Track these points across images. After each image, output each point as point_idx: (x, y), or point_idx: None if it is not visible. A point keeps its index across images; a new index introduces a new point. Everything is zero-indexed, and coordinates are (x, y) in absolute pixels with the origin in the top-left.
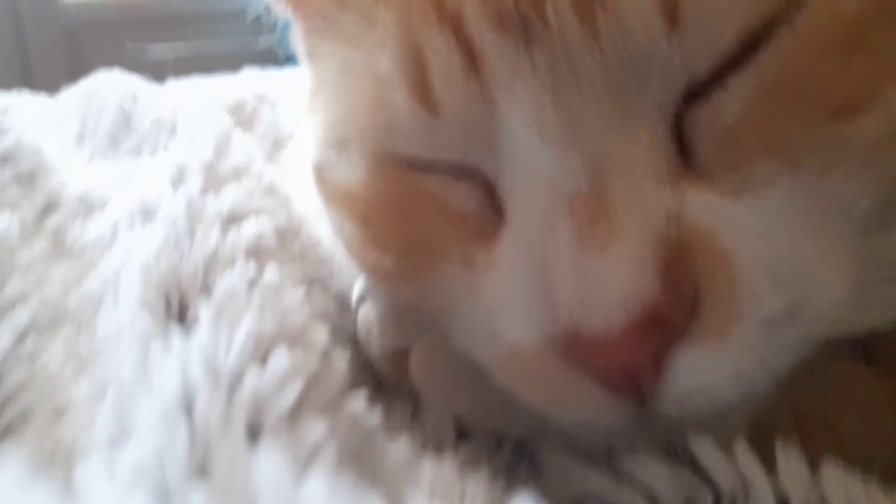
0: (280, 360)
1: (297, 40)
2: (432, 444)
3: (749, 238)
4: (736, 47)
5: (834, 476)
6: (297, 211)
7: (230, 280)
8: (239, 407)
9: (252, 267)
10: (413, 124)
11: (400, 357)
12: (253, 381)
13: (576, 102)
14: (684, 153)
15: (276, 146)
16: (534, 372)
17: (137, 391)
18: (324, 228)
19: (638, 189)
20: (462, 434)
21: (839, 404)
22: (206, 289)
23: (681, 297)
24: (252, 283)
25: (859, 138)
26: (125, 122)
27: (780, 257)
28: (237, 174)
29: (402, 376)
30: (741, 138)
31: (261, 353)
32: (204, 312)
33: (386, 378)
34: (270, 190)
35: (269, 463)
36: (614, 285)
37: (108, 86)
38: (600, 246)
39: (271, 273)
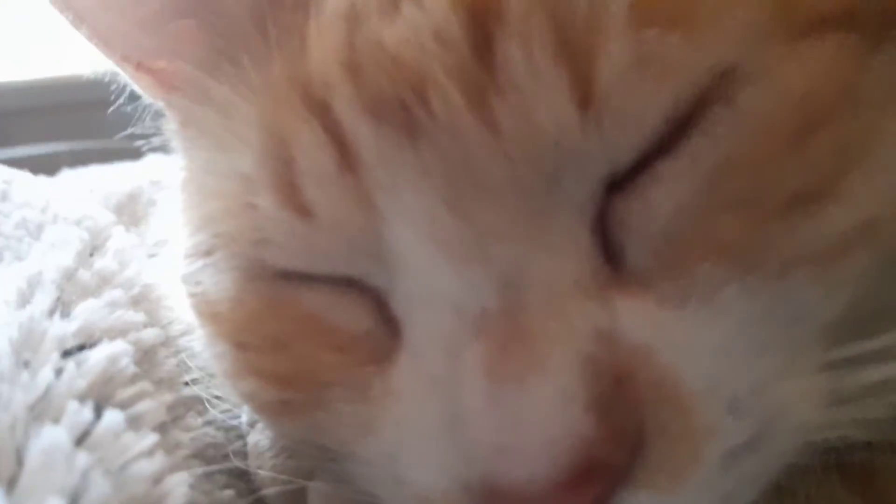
0: None
1: (173, 133)
2: None
3: (699, 357)
4: (663, 129)
5: None
6: (178, 315)
7: (49, 438)
8: None
9: (87, 413)
10: (283, 231)
11: (298, 494)
12: None
13: (475, 207)
14: (612, 257)
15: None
16: None
17: None
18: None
19: (558, 304)
20: None
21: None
22: (19, 459)
23: (620, 437)
24: (82, 437)
25: (821, 235)
26: None
27: (737, 378)
28: (100, 284)
29: None
30: (678, 236)
31: None
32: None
33: None
34: (140, 300)
35: None
36: (537, 425)
37: None
38: (516, 376)
39: (111, 419)
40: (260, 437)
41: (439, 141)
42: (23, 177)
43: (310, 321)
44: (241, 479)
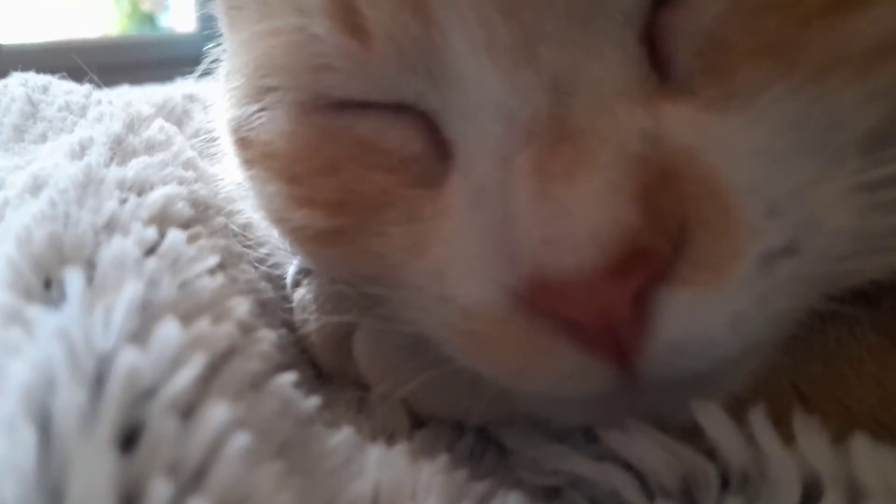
0: (170, 332)
1: (219, 12)
2: (382, 435)
3: (740, 159)
4: None
5: (866, 452)
6: (225, 192)
7: (119, 246)
8: (108, 403)
9: (151, 232)
10: (340, 58)
11: (342, 341)
12: (130, 364)
13: (528, 14)
14: (659, 65)
15: (206, 146)
16: (495, 336)
17: None
18: (248, 207)
19: (606, 108)
20: (417, 423)
21: (847, 371)
22: (90, 261)
23: (664, 228)
24: (148, 250)
25: (858, 37)
26: (32, 112)
27: (776, 181)
28: (150, 148)
29: (345, 363)
30: (723, 42)
31: (147, 328)
32: (75, 285)
33: (327, 366)
34: (191, 165)
35: (147, 473)
36: (584, 217)
37: (19, 81)
38: (565, 174)
39: (175, 237)
40: (305, 292)
41: None
42: (61, 80)
43: (363, 146)
44: (293, 331)
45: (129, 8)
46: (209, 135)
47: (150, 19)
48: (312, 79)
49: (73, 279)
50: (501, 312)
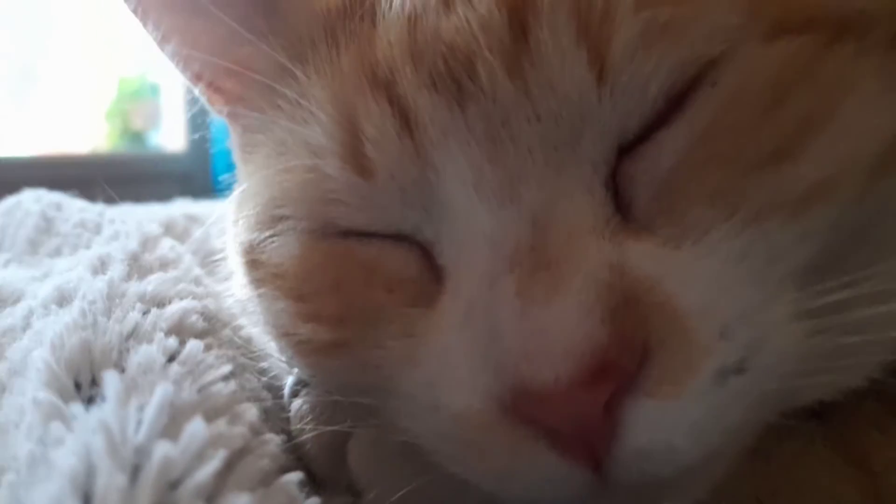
0: (197, 430)
1: (234, 148)
2: None
3: (694, 287)
4: (663, 104)
5: None
6: (229, 305)
7: (146, 352)
8: (145, 487)
9: (172, 341)
10: (348, 192)
11: (337, 449)
12: (163, 456)
13: (511, 160)
14: (622, 207)
15: (205, 264)
16: (481, 442)
17: (34, 475)
18: (251, 323)
19: (578, 241)
20: None
21: (802, 482)
22: (119, 365)
23: (629, 345)
24: (171, 356)
25: (789, 188)
26: (46, 227)
27: (726, 307)
28: (164, 265)
29: (339, 470)
30: (676, 190)
31: (176, 425)
32: (112, 386)
33: (322, 472)
34: (199, 281)
35: None
36: (561, 335)
37: (32, 198)
38: (544, 298)
39: (194, 346)
40: (301, 403)
41: (483, 105)
42: (69, 198)
43: (366, 268)
44: (289, 437)
45: (120, 125)
46: (212, 255)
47: (139, 137)
48: (323, 210)
49: (111, 379)
50: (488, 420)
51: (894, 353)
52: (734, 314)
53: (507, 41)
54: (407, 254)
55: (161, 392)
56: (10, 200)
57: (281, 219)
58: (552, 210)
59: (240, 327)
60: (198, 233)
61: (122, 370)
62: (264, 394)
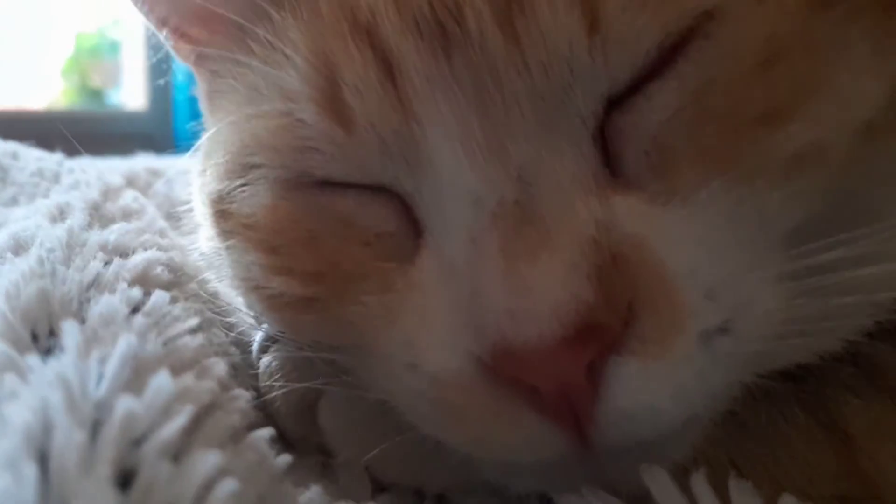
0: (163, 384)
1: (201, 96)
2: (346, 499)
3: (681, 246)
4: (655, 56)
5: None
6: (194, 262)
7: (108, 303)
8: (106, 443)
9: (136, 292)
10: (324, 140)
11: (307, 408)
12: (126, 411)
13: (499, 113)
14: (610, 162)
15: (169, 218)
16: (459, 404)
17: None
18: (218, 276)
19: (565, 198)
20: (379, 489)
21: (778, 447)
22: (79, 315)
23: (616, 305)
24: (135, 307)
25: (780, 148)
26: (2, 176)
27: (713, 268)
28: (126, 215)
29: (309, 430)
30: (666, 145)
31: (140, 379)
32: (71, 336)
33: (291, 432)
34: (163, 233)
35: None
36: (546, 293)
37: None
38: (529, 255)
39: (159, 297)
40: (270, 359)
41: (470, 54)
42: (30, 148)
43: (342, 221)
44: (259, 394)
45: (77, 82)
46: (176, 209)
47: (98, 94)
48: (297, 159)
49: (69, 331)
50: (467, 380)
51: (873, 317)
52: (720, 275)
53: None
54: (385, 206)
55: (124, 343)
56: None
57: (252, 167)
58: (539, 164)
59: (206, 281)
60: (160, 185)
61: (83, 321)
62: (232, 349)
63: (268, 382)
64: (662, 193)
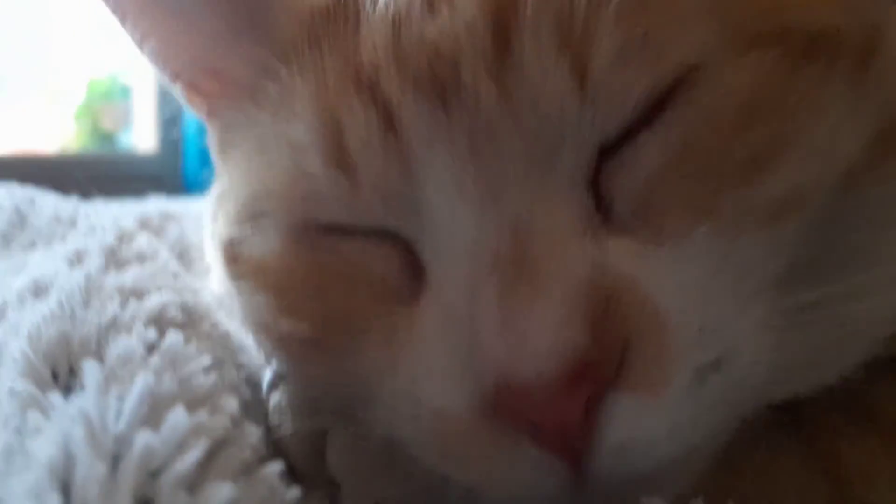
0: (179, 419)
1: (212, 146)
2: None
3: (673, 287)
4: (643, 108)
5: None
6: (206, 303)
7: (125, 343)
8: (125, 476)
9: (152, 332)
10: (330, 189)
11: (315, 444)
12: (144, 445)
13: (494, 163)
14: (602, 207)
15: (182, 259)
16: (462, 441)
17: (11, 466)
18: (229, 317)
19: (560, 243)
20: None
21: (775, 479)
22: (98, 355)
23: (610, 345)
24: (151, 347)
25: (761, 198)
26: (20, 221)
27: (703, 307)
28: (141, 259)
29: (317, 465)
30: (653, 194)
31: (157, 414)
32: (91, 375)
33: (300, 467)
34: (177, 276)
35: None
36: (543, 335)
37: (4, 193)
38: (526, 301)
39: (174, 338)
40: (280, 397)
41: (466, 110)
42: (46, 194)
43: (347, 268)
44: (269, 431)
45: (89, 125)
46: (189, 252)
47: (109, 137)
48: (304, 207)
49: (90, 368)
50: (469, 420)
51: (867, 353)
52: (712, 314)
53: (490, 48)
54: (389, 251)
55: (141, 382)
56: None
57: (262, 214)
58: (533, 214)
59: (218, 322)
60: (173, 228)
61: (102, 360)
62: (243, 387)
63: (277, 420)
64: (653, 237)
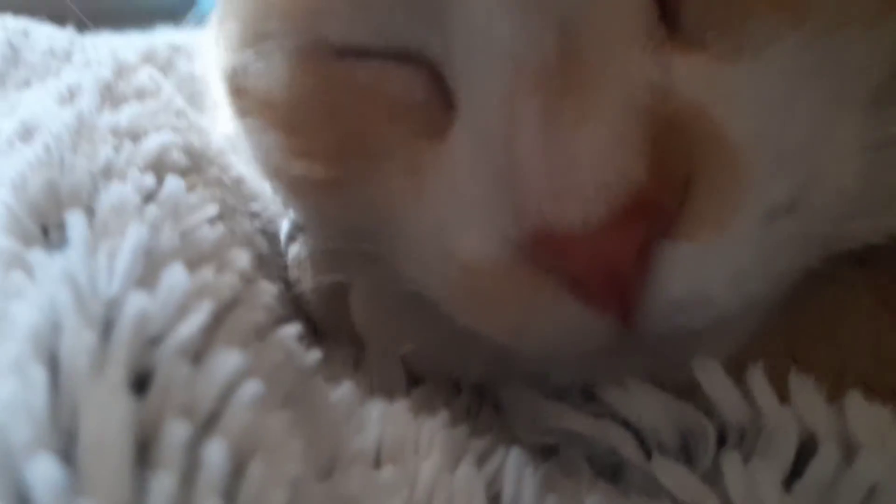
0: (178, 279)
1: None
2: (380, 392)
3: (748, 112)
4: None
5: (859, 408)
6: (216, 144)
7: (118, 192)
8: (118, 343)
9: (149, 179)
10: (340, 0)
11: (338, 298)
12: (139, 309)
13: None
14: (668, 16)
15: (192, 98)
16: (495, 292)
17: None
18: (241, 160)
19: (615, 57)
20: (414, 380)
21: (841, 334)
22: (89, 207)
23: (670, 181)
24: (148, 196)
25: None
26: (13, 56)
27: (783, 136)
28: (141, 95)
29: (341, 320)
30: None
31: (153, 274)
32: (77, 230)
33: (323, 323)
34: (182, 114)
35: (160, 416)
36: (592, 169)
37: None
38: (573, 123)
39: (174, 185)
40: (299, 249)
41: None
42: (37, 24)
43: (364, 94)
44: (287, 286)
45: None
46: (196, 84)
47: None
48: (312, 23)
49: (76, 223)
50: (503, 267)
51: None
52: (791, 145)
53: None
54: (413, 75)
55: (135, 235)
56: None
57: (265, 35)
58: (586, 15)
59: (229, 166)
60: (182, 62)
61: (92, 212)
62: (258, 239)
63: (297, 273)
64: (728, 51)
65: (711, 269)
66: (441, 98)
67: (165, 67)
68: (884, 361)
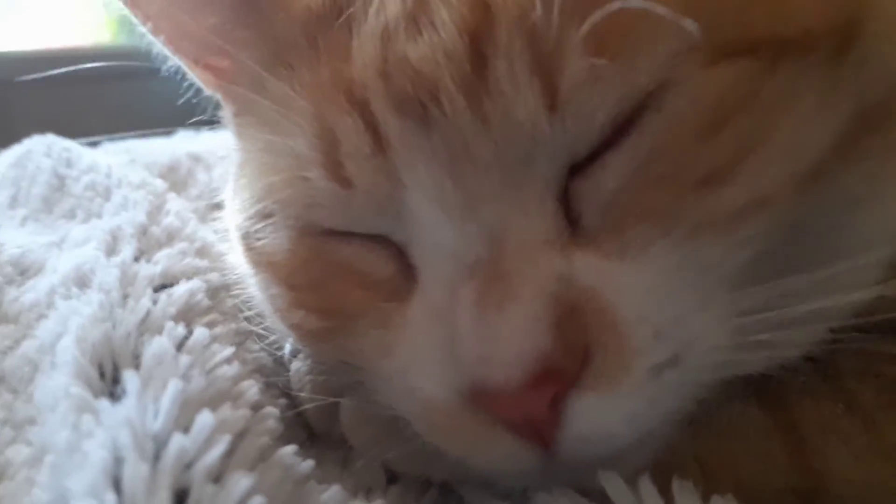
0: (206, 420)
1: (227, 119)
2: (362, 490)
3: (632, 295)
4: (610, 130)
5: None
6: (232, 266)
7: (158, 344)
8: (164, 472)
9: (181, 329)
10: (328, 198)
11: (331, 409)
12: (178, 444)
13: (471, 179)
14: (571, 221)
15: (210, 208)
16: (448, 424)
17: (70, 461)
18: (253, 285)
19: (530, 254)
20: (391, 479)
21: (737, 444)
22: (136, 357)
23: (572, 350)
24: (180, 345)
25: (721, 208)
26: (59, 185)
27: (661, 312)
28: (170, 237)
29: (333, 427)
30: (619, 207)
31: (187, 416)
32: (131, 382)
33: (318, 428)
34: (203, 251)
35: None
36: (511, 342)
37: (42, 150)
38: (497, 307)
39: (200, 334)
40: (300, 364)
41: (446, 130)
42: (78, 146)
43: (346, 267)
44: (288, 397)
45: (118, 13)
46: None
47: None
48: (306, 213)
49: (129, 379)
50: (454, 408)
51: (828, 334)
52: (668, 319)
53: (468, 71)
54: (383, 252)
55: (173, 387)
56: (19, 150)
57: (270, 214)
58: (507, 225)
59: (243, 289)
60: (201, 173)
61: (139, 365)
62: (264, 357)
63: (298, 385)
64: (617, 249)
65: (610, 413)
66: (406, 271)
67: (187, 179)
68: (769, 467)
